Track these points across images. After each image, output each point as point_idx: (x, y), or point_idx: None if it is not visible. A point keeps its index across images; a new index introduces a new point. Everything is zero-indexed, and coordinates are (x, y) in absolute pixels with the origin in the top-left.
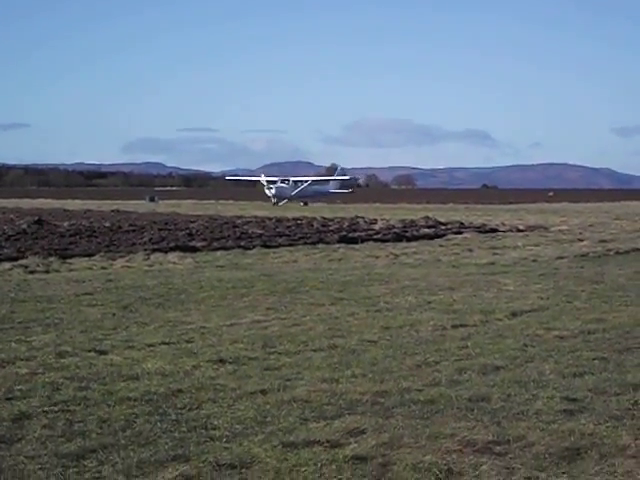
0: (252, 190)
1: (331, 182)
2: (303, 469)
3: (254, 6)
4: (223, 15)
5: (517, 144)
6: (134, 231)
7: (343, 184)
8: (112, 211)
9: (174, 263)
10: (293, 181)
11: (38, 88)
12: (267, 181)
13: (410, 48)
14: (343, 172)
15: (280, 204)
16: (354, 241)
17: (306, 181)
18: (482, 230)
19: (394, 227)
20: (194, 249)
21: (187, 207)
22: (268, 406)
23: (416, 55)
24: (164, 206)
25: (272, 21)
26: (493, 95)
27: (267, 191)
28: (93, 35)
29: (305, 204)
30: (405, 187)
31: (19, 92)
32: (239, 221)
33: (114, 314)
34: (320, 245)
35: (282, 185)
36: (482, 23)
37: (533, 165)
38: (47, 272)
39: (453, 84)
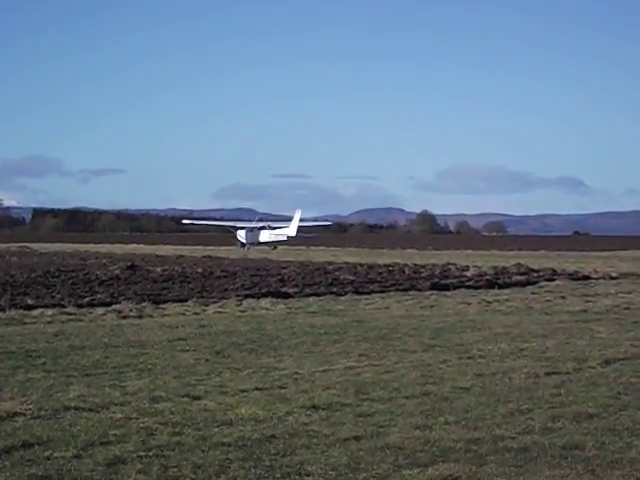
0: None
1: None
2: None
3: (345, 50)
4: (314, 58)
5: (611, 191)
6: (226, 277)
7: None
8: (204, 257)
9: (266, 309)
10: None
11: (133, 135)
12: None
13: (503, 94)
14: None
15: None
16: (446, 288)
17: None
18: (574, 277)
19: (486, 274)
20: (286, 295)
21: (278, 253)
22: (361, 452)
23: (509, 101)
24: (255, 252)
25: (365, 69)
26: (587, 142)
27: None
28: (185, 88)
29: (274, 248)
30: (496, 234)
31: (114, 138)
32: (331, 267)
33: (207, 359)
34: (412, 292)
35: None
36: (576, 70)
37: (626, 212)
38: (140, 317)
39: (547, 131)
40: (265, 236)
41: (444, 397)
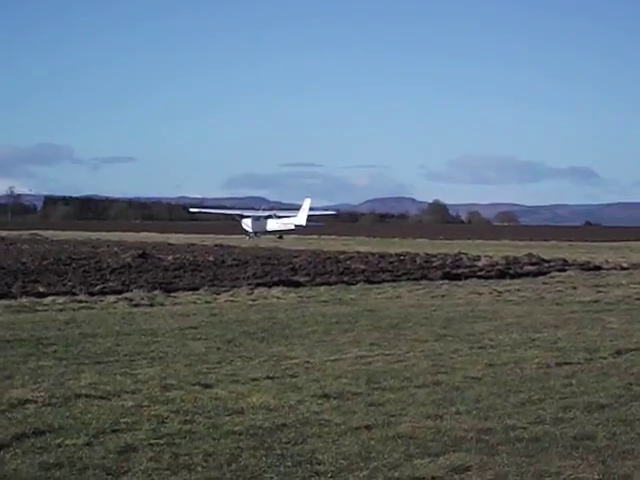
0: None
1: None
2: None
3: (356, 40)
4: (325, 47)
5: (622, 181)
6: (237, 265)
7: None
8: (215, 245)
9: (278, 298)
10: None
11: (144, 123)
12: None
13: (513, 84)
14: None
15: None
16: (457, 278)
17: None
18: (586, 268)
19: (497, 264)
20: (297, 284)
21: (290, 242)
22: (373, 442)
23: (520, 91)
24: (266, 240)
25: (376, 58)
26: (598, 132)
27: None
28: (196, 76)
29: (280, 237)
30: (508, 224)
31: (125, 126)
32: (342, 256)
33: (218, 348)
34: (423, 281)
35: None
36: (587, 61)
37: (638, 203)
38: (151, 305)
39: (557, 121)
40: (272, 225)
41: (455, 387)
